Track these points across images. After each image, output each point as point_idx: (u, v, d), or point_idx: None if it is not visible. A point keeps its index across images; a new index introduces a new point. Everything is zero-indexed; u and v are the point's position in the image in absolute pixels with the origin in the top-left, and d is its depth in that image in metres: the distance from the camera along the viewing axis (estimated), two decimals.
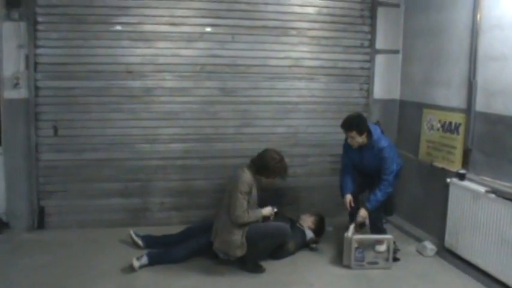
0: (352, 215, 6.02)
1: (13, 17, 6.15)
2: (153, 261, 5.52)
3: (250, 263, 5.52)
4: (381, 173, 5.75)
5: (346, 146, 6.00)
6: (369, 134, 5.74)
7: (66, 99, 6.51)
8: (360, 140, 5.71)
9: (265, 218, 5.64)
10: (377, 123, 7.13)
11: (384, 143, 5.73)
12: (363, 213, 5.80)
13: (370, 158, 5.80)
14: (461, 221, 5.61)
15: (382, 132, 5.93)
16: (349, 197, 5.94)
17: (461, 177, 5.69)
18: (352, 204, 5.93)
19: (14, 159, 6.43)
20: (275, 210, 5.77)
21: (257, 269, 5.52)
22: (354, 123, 5.70)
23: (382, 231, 6.08)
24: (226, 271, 5.50)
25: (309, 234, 6.19)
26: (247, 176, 5.49)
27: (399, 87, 7.35)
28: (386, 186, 5.74)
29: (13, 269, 5.39)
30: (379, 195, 5.75)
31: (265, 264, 5.61)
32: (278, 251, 5.80)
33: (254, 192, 5.54)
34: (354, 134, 5.68)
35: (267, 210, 5.66)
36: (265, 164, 5.57)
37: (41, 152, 6.51)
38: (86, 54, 6.48)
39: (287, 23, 6.97)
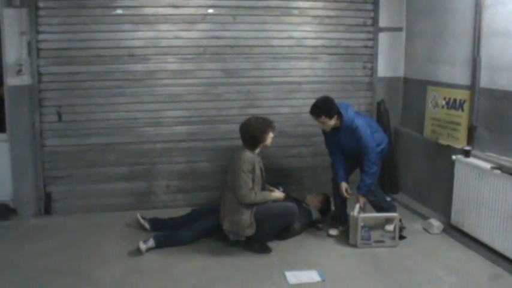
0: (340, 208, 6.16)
1: (14, 3, 6.11)
2: (160, 244, 5.54)
3: (257, 244, 5.54)
4: (362, 153, 5.71)
5: (324, 131, 5.95)
6: (340, 115, 5.66)
7: (70, 84, 6.51)
8: (331, 123, 5.64)
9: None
10: (381, 101, 7.13)
11: (357, 121, 5.64)
12: (361, 200, 5.81)
13: (347, 139, 5.74)
14: (467, 198, 5.60)
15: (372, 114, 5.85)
16: (344, 185, 5.90)
17: (467, 154, 5.67)
18: (349, 191, 5.89)
19: (19, 146, 6.45)
20: (281, 189, 5.78)
21: (264, 250, 5.54)
22: (322, 108, 5.62)
23: (389, 209, 6.06)
24: (233, 252, 5.52)
25: (315, 214, 6.19)
26: (247, 154, 5.48)
27: (403, 65, 7.33)
28: (370, 167, 5.67)
29: (21, 255, 5.42)
30: (366, 179, 5.72)
31: (271, 244, 5.62)
32: (284, 231, 5.80)
33: (257, 170, 5.52)
34: (323, 119, 5.61)
35: (278, 195, 5.69)
36: (251, 135, 5.52)
37: (45, 138, 6.52)
38: (88, 38, 6.47)
39: (289, 2, 6.94)
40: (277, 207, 5.57)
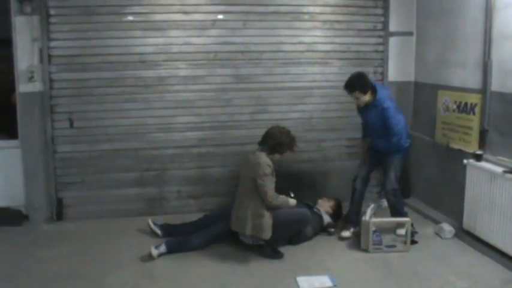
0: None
1: (26, 11, 6.17)
2: (171, 250, 5.54)
3: (268, 249, 5.53)
4: (385, 135, 5.75)
5: (357, 107, 6.08)
6: (374, 91, 5.76)
7: (81, 91, 6.55)
8: (365, 98, 5.75)
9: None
10: None
11: (388, 103, 5.72)
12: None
13: (374, 117, 5.81)
14: (479, 202, 5.58)
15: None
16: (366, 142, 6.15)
17: (478, 158, 5.65)
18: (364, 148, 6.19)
19: (31, 152, 6.49)
20: (292, 195, 5.79)
21: (275, 255, 5.53)
22: (356, 83, 5.72)
23: (403, 215, 6.02)
24: (245, 257, 5.51)
25: (327, 219, 6.19)
26: (264, 158, 5.48)
27: (413, 69, 7.30)
28: (389, 145, 5.79)
29: (33, 260, 5.44)
30: (381, 142, 5.88)
31: (283, 249, 5.62)
32: (296, 236, 5.82)
33: (274, 173, 5.55)
34: (357, 94, 5.72)
35: (293, 203, 5.72)
36: (279, 141, 5.56)
37: (57, 144, 6.56)
38: (99, 45, 6.51)
39: (299, 7, 6.94)
40: (290, 213, 5.60)
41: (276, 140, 5.56)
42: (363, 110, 5.95)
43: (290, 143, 5.63)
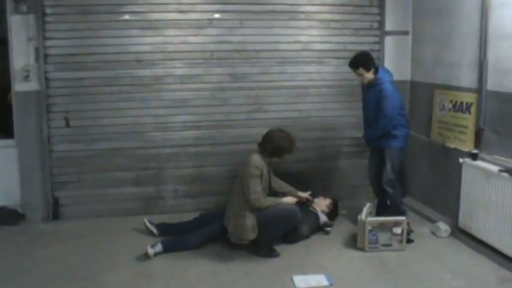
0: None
1: (21, 10, 6.15)
2: (167, 249, 5.55)
3: (264, 248, 5.53)
4: (377, 117, 5.85)
5: (362, 89, 6.22)
6: (376, 71, 5.89)
7: (77, 90, 6.54)
8: (368, 76, 5.85)
9: None
10: None
11: (387, 85, 5.81)
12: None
13: (371, 98, 5.92)
14: (474, 201, 5.59)
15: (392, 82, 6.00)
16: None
17: (474, 157, 5.66)
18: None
19: (27, 152, 6.48)
20: (308, 193, 5.86)
21: (271, 254, 5.54)
22: (361, 60, 5.84)
23: (401, 212, 6.03)
24: (241, 256, 5.51)
25: (323, 218, 6.19)
26: (256, 159, 5.48)
27: (409, 68, 7.31)
28: (376, 129, 5.94)
29: (29, 260, 5.43)
30: (368, 131, 6.12)
31: (279, 248, 5.63)
32: (292, 235, 5.82)
33: (265, 175, 5.55)
34: (361, 70, 5.83)
35: (289, 200, 5.76)
36: (278, 145, 5.56)
37: (53, 144, 6.55)
38: (95, 44, 6.50)
39: (296, 6, 6.94)
40: (278, 211, 5.53)
41: (275, 144, 5.57)
42: (365, 90, 6.07)
43: (289, 147, 5.63)
